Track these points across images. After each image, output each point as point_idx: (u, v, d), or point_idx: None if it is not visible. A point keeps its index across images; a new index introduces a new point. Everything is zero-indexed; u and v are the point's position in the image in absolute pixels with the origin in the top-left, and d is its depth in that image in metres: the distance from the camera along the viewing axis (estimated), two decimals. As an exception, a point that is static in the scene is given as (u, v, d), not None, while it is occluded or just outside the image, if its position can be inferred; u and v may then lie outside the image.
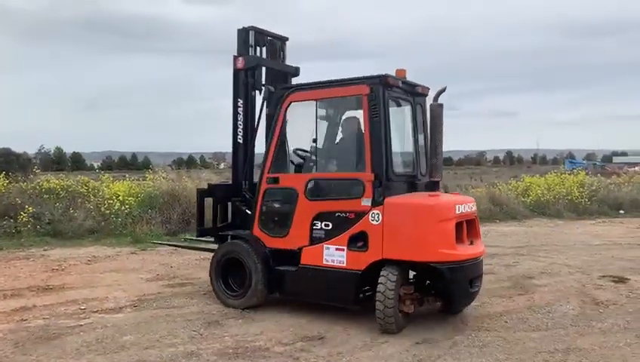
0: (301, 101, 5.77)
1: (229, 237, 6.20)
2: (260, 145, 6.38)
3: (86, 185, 12.61)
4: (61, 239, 10.41)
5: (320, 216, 5.47)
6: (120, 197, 11.51)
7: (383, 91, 5.27)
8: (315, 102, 5.68)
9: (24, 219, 10.47)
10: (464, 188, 18.30)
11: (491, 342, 4.88)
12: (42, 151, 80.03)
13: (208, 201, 6.55)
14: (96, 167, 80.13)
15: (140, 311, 5.87)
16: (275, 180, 5.79)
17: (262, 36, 6.42)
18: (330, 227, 5.40)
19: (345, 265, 5.26)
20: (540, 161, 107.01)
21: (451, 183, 21.82)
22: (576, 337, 5.01)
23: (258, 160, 6.45)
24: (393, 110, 5.53)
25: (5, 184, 11.82)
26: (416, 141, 5.91)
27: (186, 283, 7.10)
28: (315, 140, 5.69)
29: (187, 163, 62.82)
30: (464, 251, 5.16)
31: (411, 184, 5.65)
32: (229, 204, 6.44)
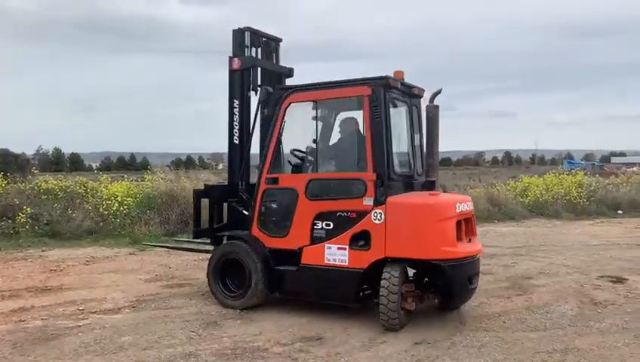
0: (301, 102, 5.81)
1: (226, 238, 6.21)
2: (254, 146, 6.40)
3: (84, 186, 12.59)
4: (59, 240, 10.39)
5: (321, 216, 5.50)
6: (118, 198, 11.49)
7: (384, 92, 5.35)
8: (314, 102, 5.75)
9: (22, 219, 10.46)
10: (462, 188, 18.31)
11: (490, 342, 4.88)
12: (40, 151, 79.99)
13: (205, 202, 6.54)
14: (94, 167, 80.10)
15: (138, 311, 5.87)
16: (275, 180, 5.81)
17: (257, 37, 6.43)
18: (332, 226, 5.44)
19: (347, 263, 5.32)
20: (538, 162, 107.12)
21: (450, 183, 21.84)
22: (575, 337, 5.01)
23: (254, 160, 6.46)
24: (391, 111, 5.56)
25: (3, 185, 11.80)
26: (412, 141, 5.99)
27: (184, 284, 7.10)
28: (315, 141, 5.75)
29: (186, 163, 62.88)
30: (464, 249, 5.28)
31: (408, 184, 5.69)
32: (225, 204, 6.44)
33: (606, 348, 4.74)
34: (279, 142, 5.88)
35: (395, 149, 5.57)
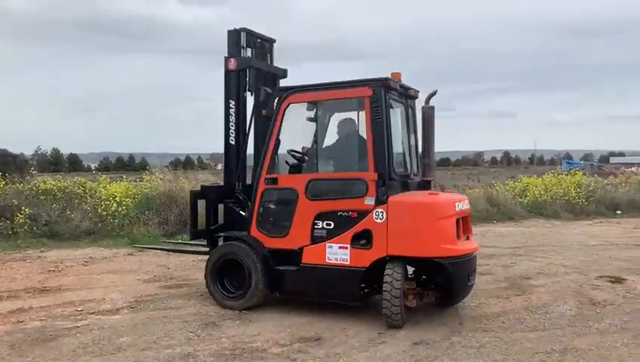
0: (300, 103, 5.85)
1: (222, 239, 6.20)
2: (250, 147, 6.42)
3: (83, 187, 12.56)
4: (58, 240, 10.38)
5: (321, 216, 5.53)
6: (117, 199, 11.48)
7: (384, 93, 5.42)
8: (313, 103, 5.81)
9: (21, 220, 10.45)
10: (461, 188, 18.32)
11: (488, 342, 4.88)
12: (39, 152, 79.91)
13: (202, 203, 6.53)
14: (93, 168, 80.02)
15: (136, 312, 5.86)
16: (274, 181, 5.83)
17: (252, 38, 6.44)
18: (333, 226, 5.47)
19: (348, 262, 5.37)
20: (537, 162, 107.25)
21: (449, 183, 21.85)
22: (574, 337, 5.01)
23: (249, 161, 6.47)
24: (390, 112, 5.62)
25: (2, 185, 11.78)
26: (408, 142, 6.07)
27: (183, 285, 7.09)
28: (315, 141, 5.84)
29: (184, 164, 62.82)
30: (463, 246, 5.42)
31: (404, 183, 5.76)
32: (220, 205, 6.44)
33: (605, 348, 4.74)
34: (278, 142, 5.89)
35: (394, 150, 5.62)
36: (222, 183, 6.71)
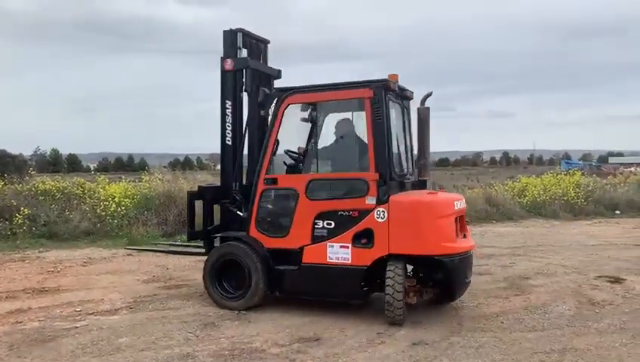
0: (299, 103, 5.90)
1: (220, 239, 6.20)
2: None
3: (82, 187, 12.55)
4: (57, 241, 10.38)
5: (322, 215, 5.57)
6: (116, 199, 11.46)
7: (385, 95, 5.50)
8: (310, 104, 5.86)
9: (19, 220, 10.44)
10: (460, 188, 18.33)
11: (487, 342, 4.88)
12: (38, 152, 79.93)
13: (200, 204, 6.52)
14: (92, 168, 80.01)
15: (135, 312, 5.85)
16: (274, 181, 5.84)
17: (248, 38, 6.44)
18: (333, 226, 5.51)
19: (350, 261, 5.42)
20: (536, 162, 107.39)
21: (448, 184, 21.86)
22: (573, 337, 5.01)
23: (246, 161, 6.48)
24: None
25: (1, 186, 11.78)
26: (404, 142, 6.13)
27: (182, 285, 7.09)
28: (315, 142, 5.91)
29: (184, 164, 62.80)
30: (461, 244, 5.53)
31: (401, 183, 5.81)
32: (216, 206, 6.44)
33: (604, 348, 4.74)
34: (277, 143, 5.91)
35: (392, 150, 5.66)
36: (219, 184, 6.71)
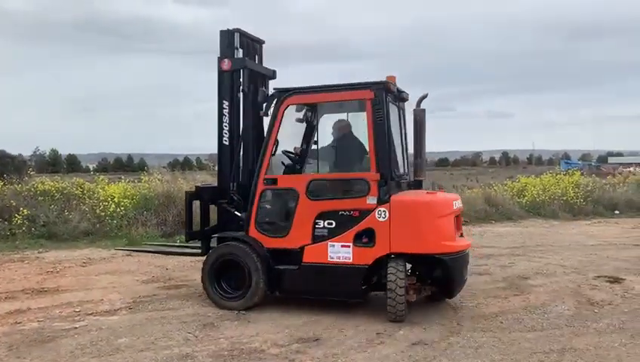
0: (299, 104, 5.98)
1: (217, 240, 6.20)
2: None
3: (81, 187, 12.54)
4: (56, 241, 10.37)
5: (323, 215, 5.60)
6: (115, 199, 11.45)
7: (385, 96, 5.56)
8: (308, 105, 5.96)
9: (19, 221, 10.43)
10: (460, 188, 18.33)
11: (487, 342, 4.88)
12: (37, 153, 79.90)
13: (198, 204, 6.52)
14: (91, 168, 79.93)
15: (134, 313, 5.85)
16: (274, 181, 5.85)
17: (245, 38, 6.45)
18: (334, 225, 5.55)
19: (351, 260, 5.46)
20: (535, 162, 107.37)
21: (447, 184, 21.87)
22: (572, 337, 5.02)
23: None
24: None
25: (0, 186, 11.77)
26: (400, 143, 6.21)
27: (181, 285, 7.09)
28: (315, 142, 5.98)
29: (183, 164, 62.70)
30: (459, 243, 5.65)
31: (398, 183, 5.85)
32: (213, 206, 6.44)
33: (603, 348, 4.75)
34: (277, 143, 5.92)
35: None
36: (216, 184, 6.70)
